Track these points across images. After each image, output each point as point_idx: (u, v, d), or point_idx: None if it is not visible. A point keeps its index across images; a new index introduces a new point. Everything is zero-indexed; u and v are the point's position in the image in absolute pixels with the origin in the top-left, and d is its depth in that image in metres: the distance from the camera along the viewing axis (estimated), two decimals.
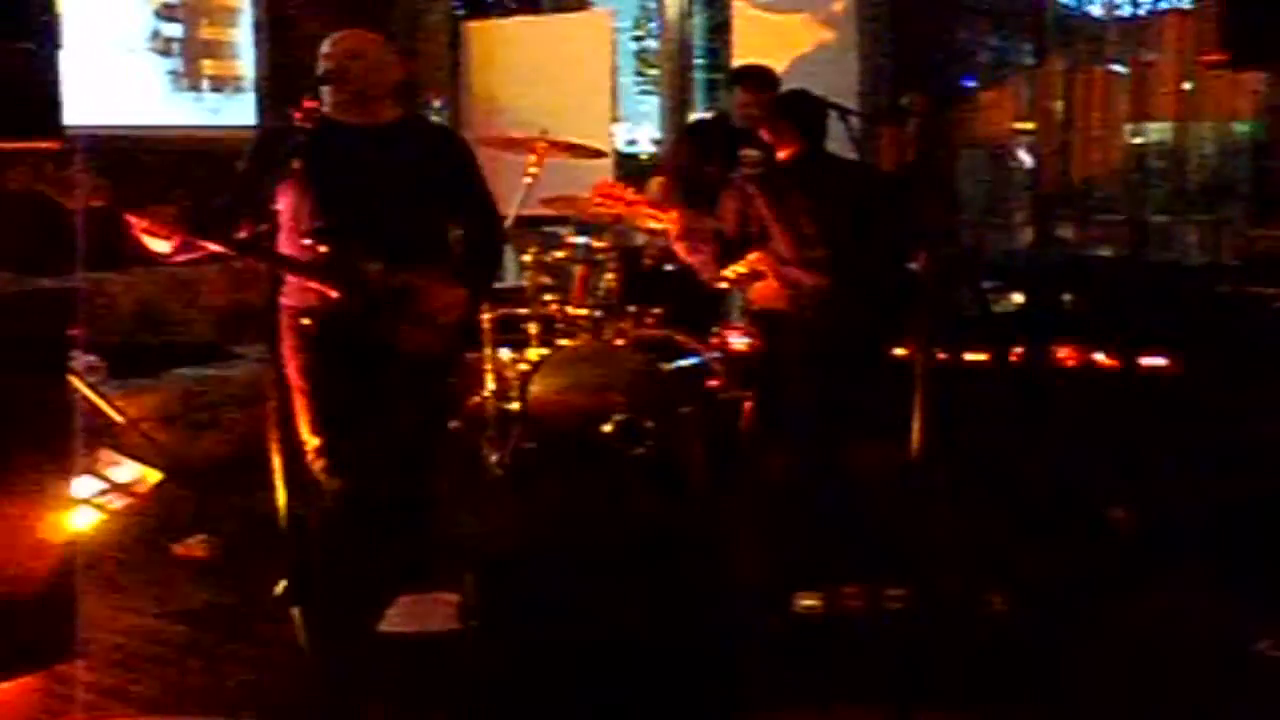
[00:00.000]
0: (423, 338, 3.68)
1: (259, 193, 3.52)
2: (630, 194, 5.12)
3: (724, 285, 5.03)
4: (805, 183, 4.53)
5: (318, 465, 3.83)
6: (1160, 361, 4.87)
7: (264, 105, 6.73)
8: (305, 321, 3.70)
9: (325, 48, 3.73)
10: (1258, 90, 6.56)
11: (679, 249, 4.96)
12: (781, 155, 4.67)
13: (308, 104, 3.48)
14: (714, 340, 5.31)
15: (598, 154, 5.95)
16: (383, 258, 3.62)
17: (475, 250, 3.93)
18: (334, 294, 3.58)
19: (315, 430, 3.79)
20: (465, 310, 3.82)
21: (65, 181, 3.26)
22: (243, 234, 3.50)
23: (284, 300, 3.72)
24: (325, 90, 3.70)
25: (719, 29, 7.85)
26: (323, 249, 3.57)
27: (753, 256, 4.65)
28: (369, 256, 3.60)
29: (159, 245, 3.44)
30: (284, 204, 3.58)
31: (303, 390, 3.76)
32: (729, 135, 5.62)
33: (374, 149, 3.72)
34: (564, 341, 5.42)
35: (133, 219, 3.37)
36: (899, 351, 4.47)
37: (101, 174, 3.34)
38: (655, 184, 5.88)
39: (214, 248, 3.46)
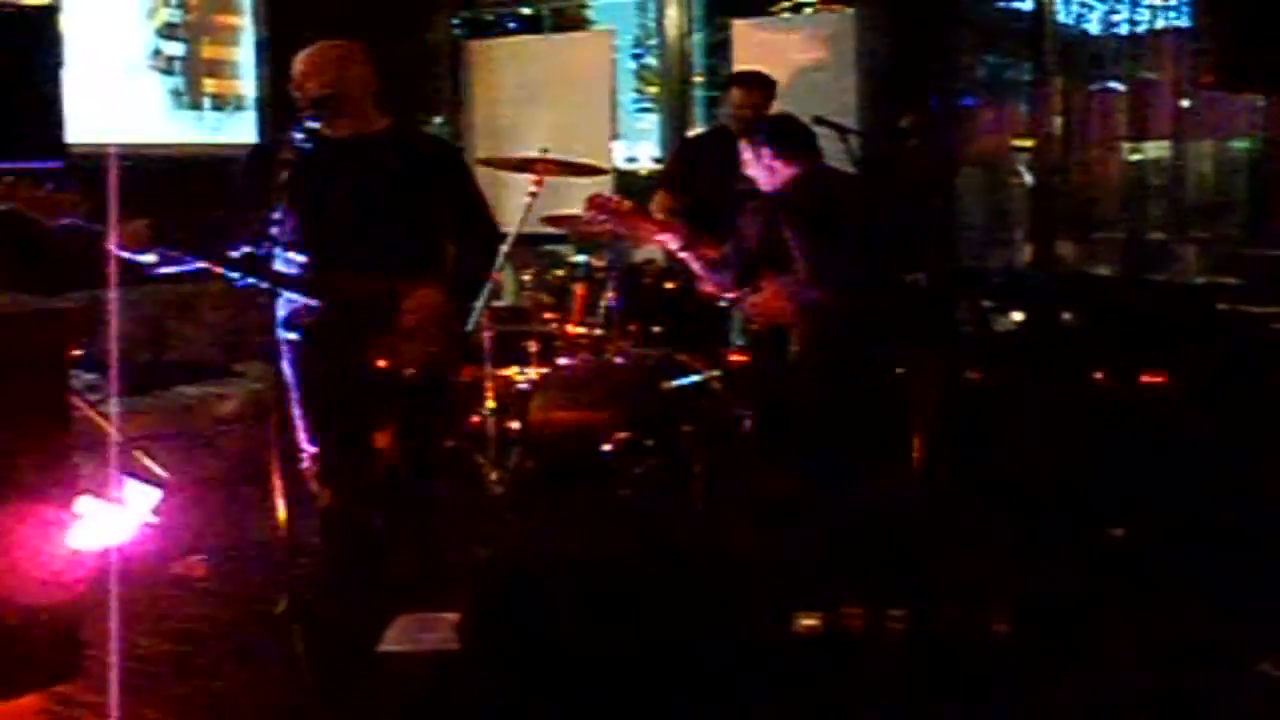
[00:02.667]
0: (405, 349, 3.69)
1: (252, 210, 3.53)
2: (625, 205, 5.04)
3: (724, 302, 5.03)
4: (821, 201, 4.49)
5: (312, 474, 3.85)
6: (1159, 379, 4.87)
7: (265, 123, 6.74)
8: (290, 335, 3.71)
9: (293, 67, 3.74)
10: (1256, 109, 6.57)
11: (694, 266, 4.86)
12: (783, 178, 4.60)
13: (301, 119, 3.50)
14: (715, 358, 5.31)
15: (598, 172, 5.96)
16: (369, 270, 3.63)
17: (468, 259, 3.93)
18: (315, 304, 3.59)
19: (310, 439, 3.82)
20: (451, 318, 3.82)
21: (39, 198, 3.25)
22: (237, 251, 3.52)
23: (279, 313, 3.74)
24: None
25: (719, 47, 7.87)
26: (303, 260, 3.58)
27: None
28: (353, 269, 3.61)
29: (143, 258, 3.45)
30: (276, 219, 3.60)
31: (298, 400, 3.78)
32: (727, 149, 5.63)
33: (361, 161, 3.72)
34: (564, 360, 5.43)
35: (111, 238, 3.38)
36: (899, 370, 4.48)
37: (77, 190, 3.33)
38: (659, 199, 5.89)
39: (202, 264, 3.48)
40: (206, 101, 6.66)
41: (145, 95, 6.37)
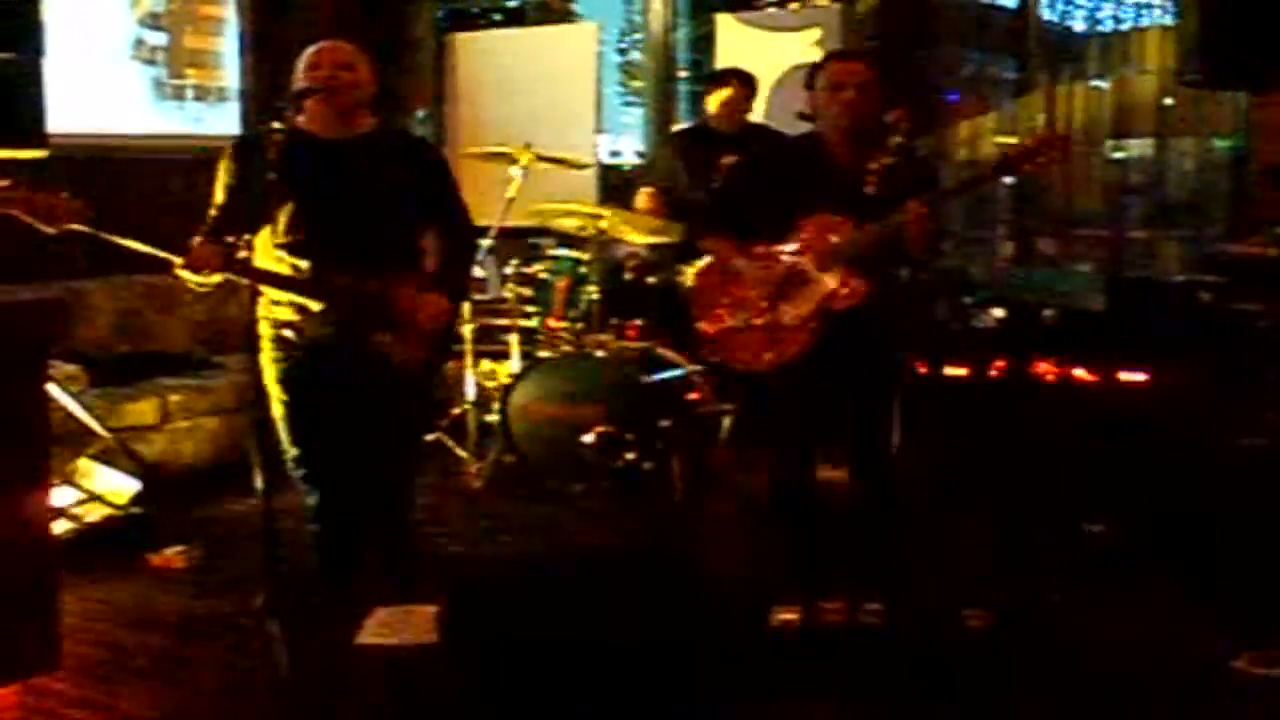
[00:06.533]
0: (406, 346, 3.69)
1: (239, 207, 3.51)
2: None
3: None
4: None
5: (296, 475, 3.84)
6: (1139, 376, 4.88)
7: (247, 115, 6.72)
8: (288, 334, 3.70)
9: (311, 59, 3.71)
10: (1238, 106, 6.61)
11: None
12: None
13: (286, 116, 3.47)
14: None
15: (581, 166, 5.96)
16: (361, 269, 3.63)
17: (450, 256, 3.93)
18: (314, 306, 3.59)
19: (294, 440, 3.80)
20: (446, 315, 3.82)
21: (38, 203, 3.20)
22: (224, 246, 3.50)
23: (263, 312, 3.72)
24: (306, 102, 3.69)
25: (703, 41, 7.88)
26: (301, 263, 3.58)
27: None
28: (347, 268, 3.60)
29: (202, 280, 3.43)
30: (265, 219, 3.58)
31: (282, 401, 3.76)
32: (709, 144, 5.63)
33: (350, 161, 3.71)
34: (545, 353, 5.43)
35: (179, 265, 3.38)
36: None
37: (78, 192, 3.28)
38: (643, 196, 5.88)
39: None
40: (189, 92, 6.64)
41: (127, 85, 6.34)
